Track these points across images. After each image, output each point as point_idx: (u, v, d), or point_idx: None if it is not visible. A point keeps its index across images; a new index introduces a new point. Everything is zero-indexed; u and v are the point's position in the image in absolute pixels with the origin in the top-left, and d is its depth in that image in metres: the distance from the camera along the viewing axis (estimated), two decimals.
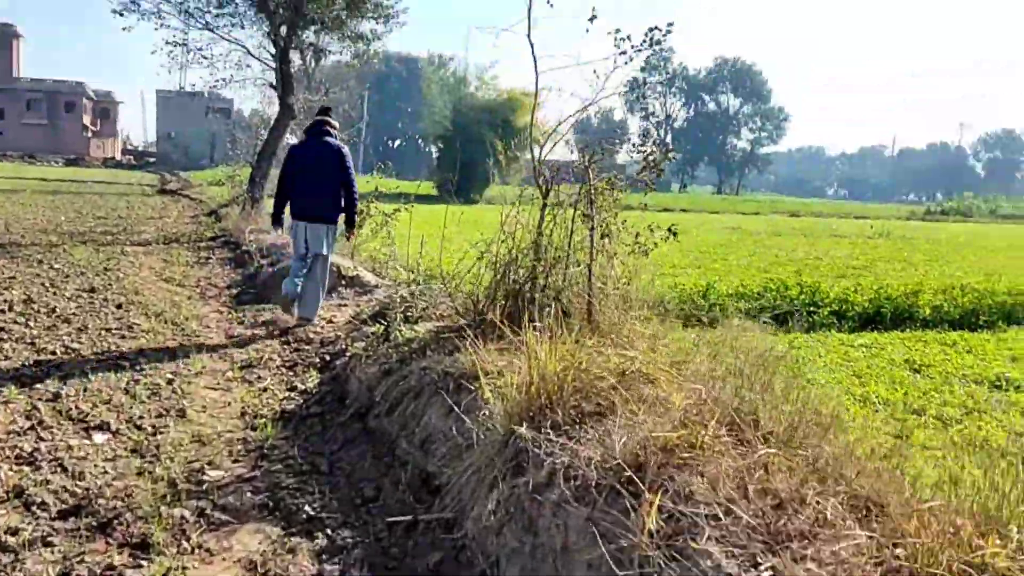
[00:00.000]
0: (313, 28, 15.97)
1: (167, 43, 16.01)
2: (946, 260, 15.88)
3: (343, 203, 7.07)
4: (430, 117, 40.93)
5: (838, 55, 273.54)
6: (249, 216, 14.46)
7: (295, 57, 16.49)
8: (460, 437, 3.48)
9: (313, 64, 17.75)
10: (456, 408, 3.63)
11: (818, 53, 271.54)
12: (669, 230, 5.29)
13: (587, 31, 4.80)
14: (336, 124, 7.31)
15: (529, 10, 4.82)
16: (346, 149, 7.14)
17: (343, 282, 8.29)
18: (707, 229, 24.15)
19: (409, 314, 5.71)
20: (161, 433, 4.37)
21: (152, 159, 71.59)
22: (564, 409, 2.96)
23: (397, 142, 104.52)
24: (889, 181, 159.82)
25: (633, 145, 5.61)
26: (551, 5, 4.79)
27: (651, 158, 5.28)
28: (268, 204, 18.19)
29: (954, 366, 6.29)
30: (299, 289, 6.93)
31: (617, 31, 4.87)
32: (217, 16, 16.02)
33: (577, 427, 2.85)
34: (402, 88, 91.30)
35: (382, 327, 5.43)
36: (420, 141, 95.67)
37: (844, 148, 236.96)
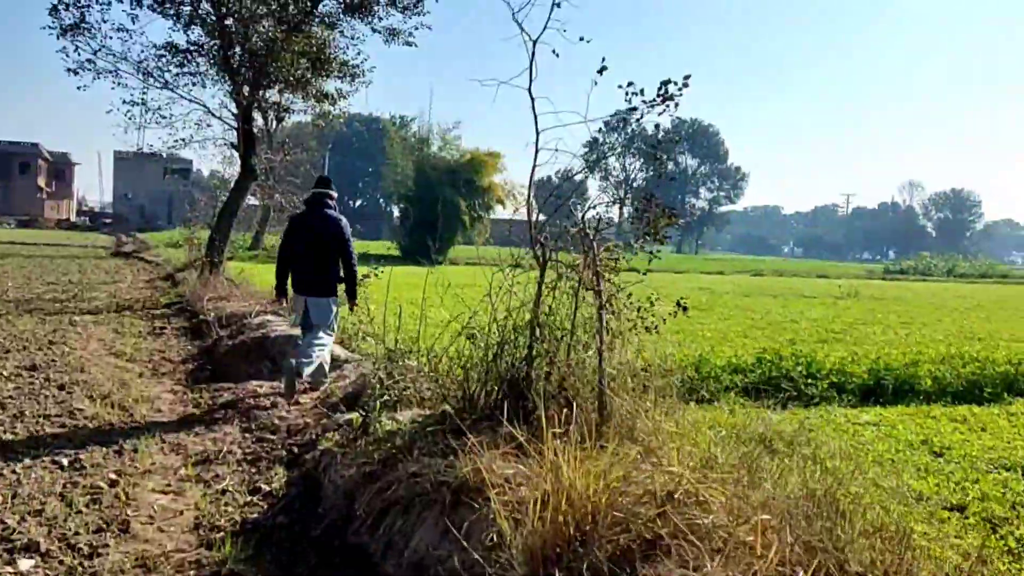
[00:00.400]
0: (277, 87, 15.55)
1: (124, 103, 15.41)
2: (922, 322, 15.71)
3: (343, 275, 7.03)
4: (392, 177, 40.55)
5: (794, 116, 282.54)
6: (208, 282, 13.72)
7: (257, 117, 16.01)
8: (463, 569, 2.88)
9: (275, 124, 17.28)
10: (455, 530, 3.04)
11: (774, 112, 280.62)
12: (678, 304, 4.83)
13: (595, 84, 4.37)
14: (335, 195, 7.25)
15: (531, 60, 4.39)
16: (344, 221, 7.07)
17: None
18: (677, 291, 23.90)
19: (387, 397, 5.12)
20: (99, 555, 3.69)
21: (108, 220, 70.05)
22: (601, 545, 2.40)
23: (358, 202, 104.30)
24: (843, 239, 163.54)
25: (635, 209, 5.16)
26: (556, 55, 4.38)
27: (657, 222, 4.86)
28: (228, 268, 17.53)
29: (975, 448, 5.84)
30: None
31: (629, 84, 4.46)
32: (177, 75, 15.53)
33: (624, 573, 2.29)
34: (363, 148, 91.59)
35: (359, 418, 4.83)
36: (381, 201, 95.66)
37: (799, 207, 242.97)
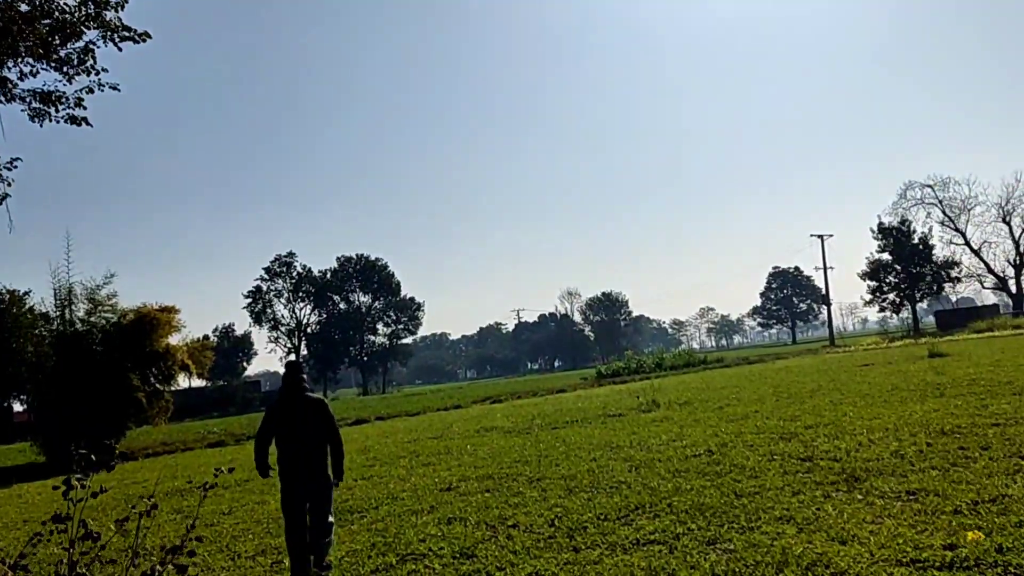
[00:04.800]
0: None
1: None
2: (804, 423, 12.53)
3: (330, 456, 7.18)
4: (24, 361, 29.57)
5: (455, 242, 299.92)
6: None
7: None
8: None
9: None
10: None
11: (437, 241, 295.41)
12: None
13: None
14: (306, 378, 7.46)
15: None
16: (327, 401, 7.49)
17: None
18: (455, 441, 18.68)
19: None
20: None
21: None
22: None
23: None
24: (513, 354, 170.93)
25: None
26: None
27: None
28: None
29: None
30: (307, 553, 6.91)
31: None
32: None
33: None
34: None
35: None
36: (24, 396, 76.72)
37: (464, 331, 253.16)
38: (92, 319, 29.71)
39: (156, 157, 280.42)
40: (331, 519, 7.06)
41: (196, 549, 8.88)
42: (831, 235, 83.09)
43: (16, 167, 9.03)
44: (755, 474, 9.31)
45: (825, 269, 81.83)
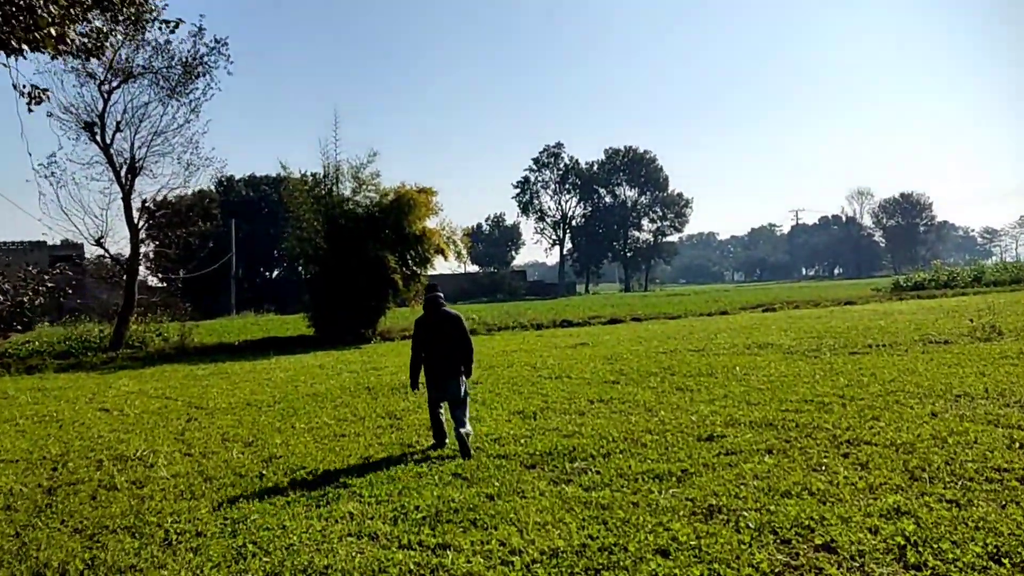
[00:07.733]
0: None
1: None
2: None
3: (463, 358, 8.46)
4: (296, 235, 30.33)
5: (727, 138, 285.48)
6: None
7: None
8: None
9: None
10: None
11: (706, 136, 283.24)
12: None
13: None
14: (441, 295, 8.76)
15: None
16: (461, 315, 8.55)
17: None
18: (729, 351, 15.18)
19: None
20: None
21: None
22: None
23: (275, 272, 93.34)
24: (788, 258, 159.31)
25: None
26: None
27: None
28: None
29: None
30: (445, 429, 8.34)
31: None
32: None
33: None
34: (273, 212, 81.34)
35: None
36: (300, 268, 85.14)
37: (733, 231, 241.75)
38: (357, 197, 29.55)
39: (426, 50, 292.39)
40: (466, 416, 8.24)
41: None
42: None
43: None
44: None
45: None
